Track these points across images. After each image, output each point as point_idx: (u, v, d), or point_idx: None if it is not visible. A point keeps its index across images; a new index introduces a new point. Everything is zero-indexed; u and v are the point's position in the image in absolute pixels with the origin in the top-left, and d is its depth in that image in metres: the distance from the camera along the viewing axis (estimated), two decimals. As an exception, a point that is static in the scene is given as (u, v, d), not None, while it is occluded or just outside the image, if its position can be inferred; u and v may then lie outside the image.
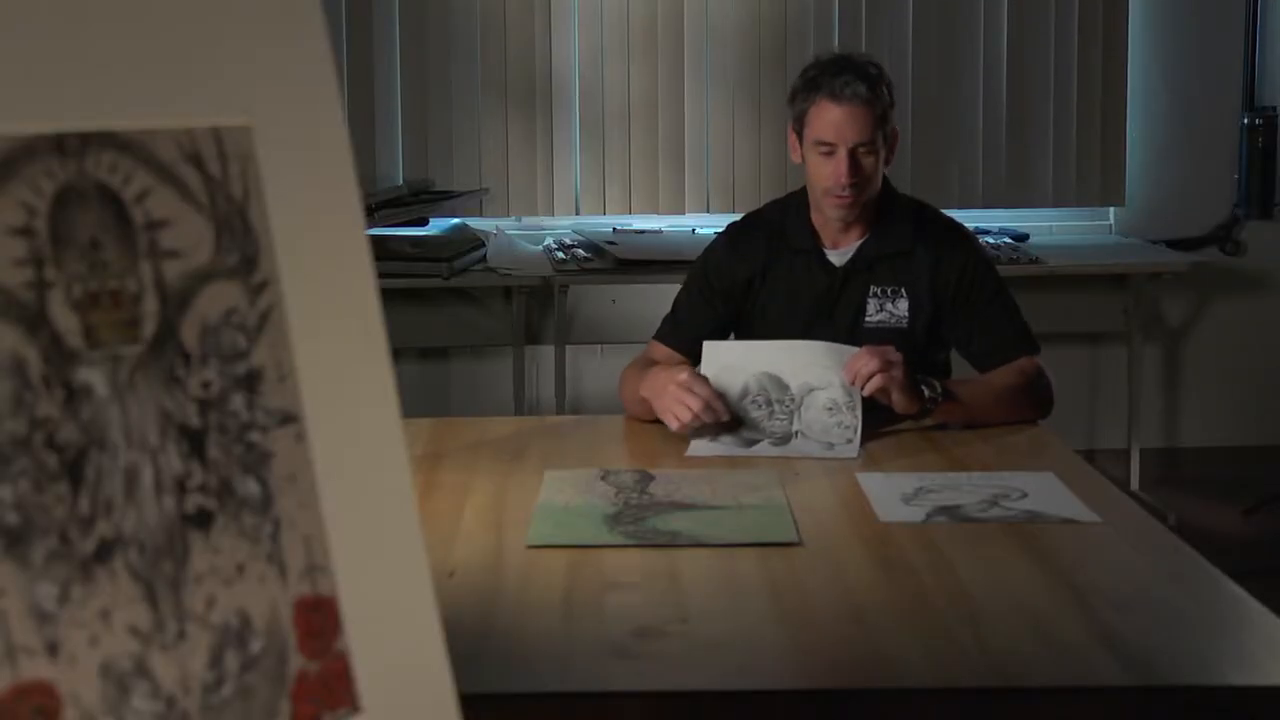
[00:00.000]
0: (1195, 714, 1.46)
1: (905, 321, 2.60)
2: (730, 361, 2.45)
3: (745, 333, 2.66)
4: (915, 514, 2.01)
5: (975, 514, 2.00)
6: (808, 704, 1.47)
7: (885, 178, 2.61)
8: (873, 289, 2.61)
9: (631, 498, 2.07)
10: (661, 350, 2.68)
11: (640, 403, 2.49)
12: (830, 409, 2.35)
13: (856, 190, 2.52)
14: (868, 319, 2.60)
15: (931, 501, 2.06)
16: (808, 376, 2.39)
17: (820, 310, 2.61)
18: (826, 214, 2.58)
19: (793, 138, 2.61)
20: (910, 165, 4.69)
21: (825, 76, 2.53)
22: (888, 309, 2.60)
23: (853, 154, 2.50)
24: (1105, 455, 4.83)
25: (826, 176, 2.52)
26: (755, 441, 2.34)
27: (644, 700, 1.46)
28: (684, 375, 2.38)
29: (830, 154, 2.51)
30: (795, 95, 2.58)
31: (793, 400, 2.37)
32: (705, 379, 2.38)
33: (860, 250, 2.61)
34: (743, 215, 2.78)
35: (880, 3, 4.75)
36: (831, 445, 2.28)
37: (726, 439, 2.35)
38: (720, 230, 2.80)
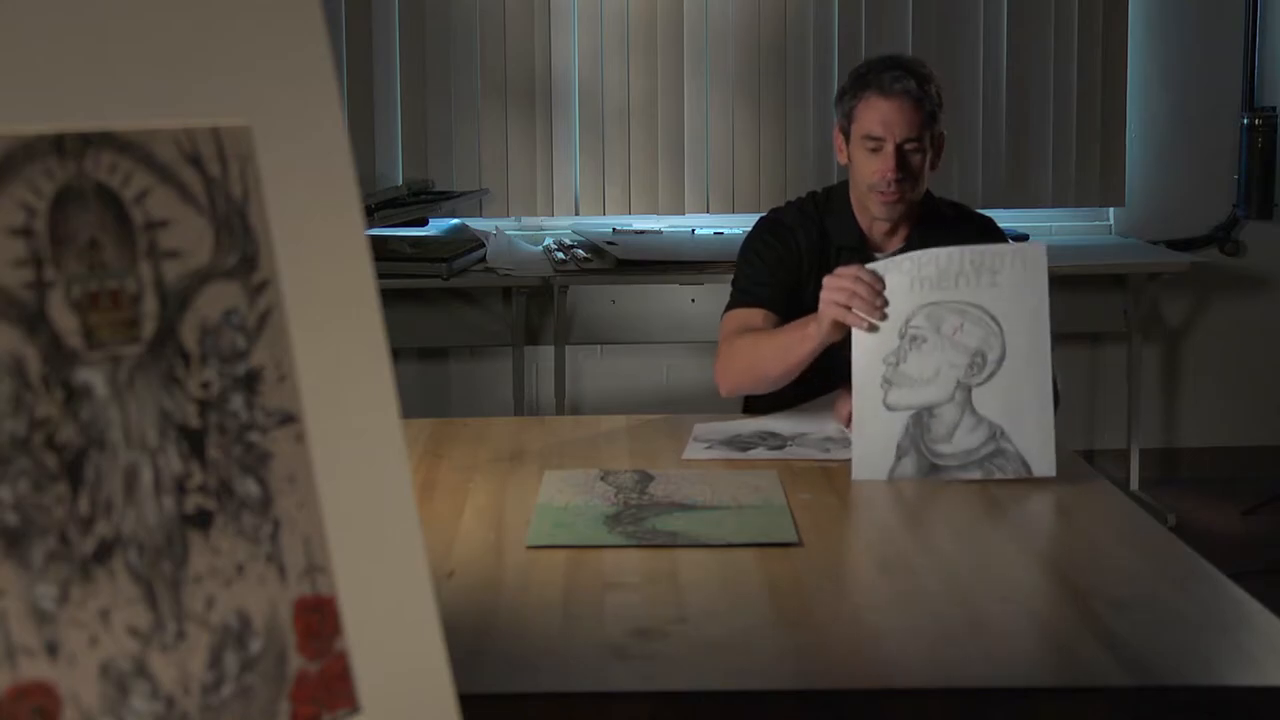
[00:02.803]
0: (1195, 714, 1.46)
1: None
2: (721, 427, 2.47)
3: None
4: (885, 465, 2.13)
5: (945, 463, 2.11)
6: (807, 704, 1.47)
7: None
8: None
9: (631, 498, 2.07)
10: (743, 314, 2.57)
11: (765, 360, 2.42)
12: (824, 438, 2.36)
13: (902, 187, 2.52)
14: None
15: (912, 463, 2.14)
16: (800, 427, 2.41)
17: None
18: (872, 212, 2.58)
19: (839, 137, 2.61)
20: (910, 165, 4.70)
21: (875, 73, 2.53)
22: None
23: (900, 150, 2.50)
24: (1105, 455, 4.83)
25: (873, 172, 2.52)
26: (752, 447, 2.34)
27: (643, 700, 1.46)
28: (831, 276, 2.24)
29: (877, 150, 2.51)
30: (844, 93, 2.58)
31: (789, 439, 2.38)
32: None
33: (903, 252, 2.61)
34: (764, 216, 2.73)
35: (880, 3, 4.75)
36: (828, 450, 2.29)
37: (722, 445, 2.35)
38: (753, 224, 2.73)
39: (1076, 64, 4.80)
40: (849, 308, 2.19)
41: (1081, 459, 2.35)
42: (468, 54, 4.69)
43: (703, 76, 4.75)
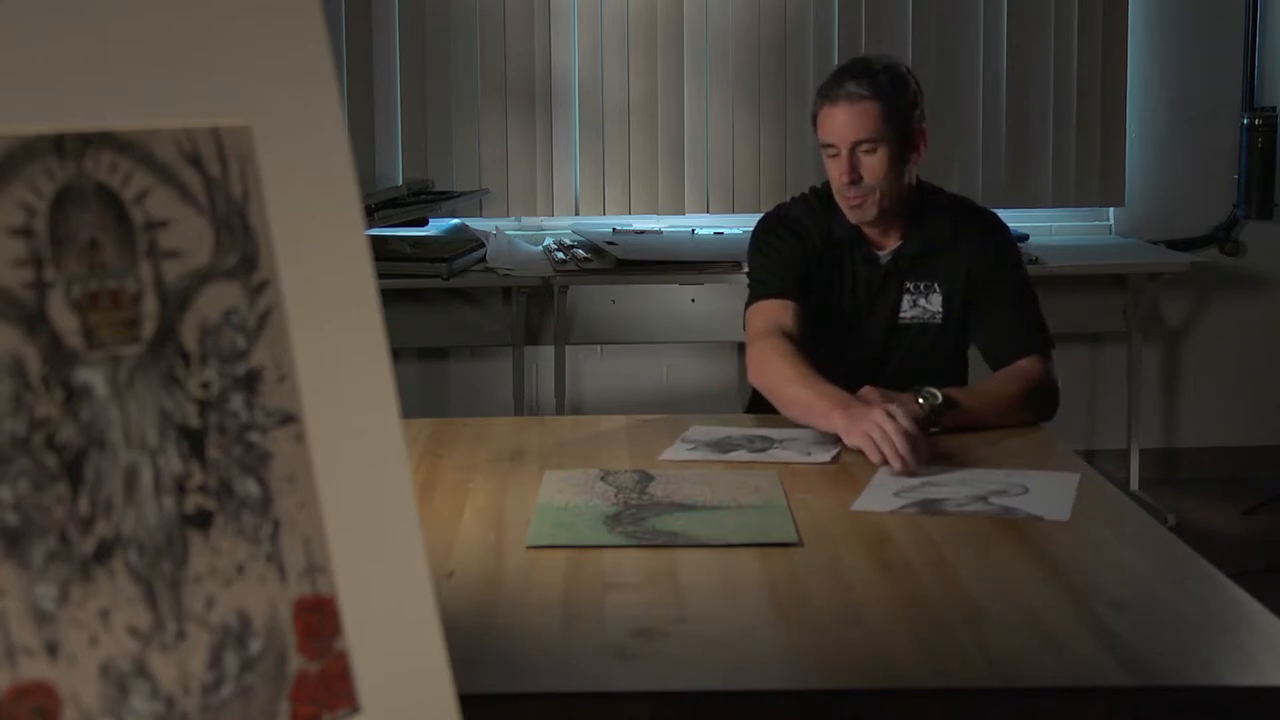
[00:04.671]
0: (1195, 714, 1.46)
1: (939, 317, 2.61)
2: (715, 430, 2.45)
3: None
4: (890, 504, 2.02)
5: (950, 508, 2.00)
6: (807, 704, 1.47)
7: (918, 176, 2.63)
8: (907, 284, 2.62)
9: (631, 498, 2.07)
10: (767, 306, 2.57)
11: (786, 402, 2.41)
12: (811, 441, 2.34)
13: (861, 190, 2.53)
14: (902, 315, 2.62)
15: (917, 495, 2.06)
16: (793, 431, 2.39)
17: (860, 307, 2.63)
18: (848, 216, 2.59)
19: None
20: (910, 165, 4.70)
21: (825, 83, 2.59)
22: (921, 304, 2.61)
23: (853, 153, 2.51)
24: (1105, 455, 4.83)
25: (836, 178, 2.55)
26: (735, 449, 2.33)
27: (643, 700, 1.46)
28: (885, 410, 2.21)
29: (836, 156, 2.54)
30: (812, 107, 2.62)
31: (775, 442, 2.36)
32: (906, 417, 2.21)
33: (901, 250, 2.61)
34: (768, 212, 2.74)
35: (880, 3, 4.75)
36: (810, 453, 2.28)
37: (706, 447, 2.34)
38: (757, 221, 2.74)
39: (1076, 64, 4.80)
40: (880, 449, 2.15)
41: (1081, 459, 2.34)
42: (468, 54, 4.69)
43: (703, 76, 4.75)
